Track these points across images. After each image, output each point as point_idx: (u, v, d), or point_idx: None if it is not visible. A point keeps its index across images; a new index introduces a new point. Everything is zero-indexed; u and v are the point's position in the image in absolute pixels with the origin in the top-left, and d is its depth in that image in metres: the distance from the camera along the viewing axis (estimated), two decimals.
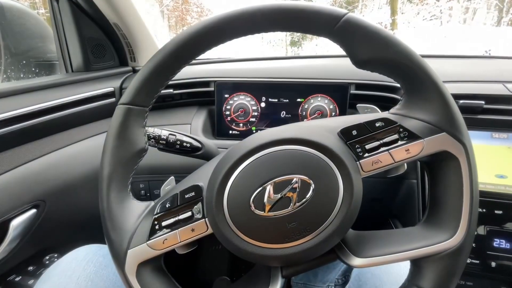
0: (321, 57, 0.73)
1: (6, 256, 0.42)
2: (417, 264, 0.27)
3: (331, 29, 0.27)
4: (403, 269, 0.35)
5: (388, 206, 0.59)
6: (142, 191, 0.59)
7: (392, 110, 0.29)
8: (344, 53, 0.28)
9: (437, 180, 0.28)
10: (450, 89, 0.51)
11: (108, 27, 0.55)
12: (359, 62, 0.28)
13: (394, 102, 0.55)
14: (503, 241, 0.45)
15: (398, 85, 0.56)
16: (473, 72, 0.53)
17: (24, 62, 0.49)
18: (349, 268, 0.45)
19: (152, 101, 0.31)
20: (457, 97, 0.48)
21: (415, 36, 6.34)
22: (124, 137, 0.28)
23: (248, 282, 0.30)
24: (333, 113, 0.59)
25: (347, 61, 0.29)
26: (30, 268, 0.46)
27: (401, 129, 0.27)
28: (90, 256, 0.38)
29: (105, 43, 0.58)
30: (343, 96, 0.58)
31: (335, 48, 0.30)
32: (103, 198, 0.28)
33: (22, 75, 0.49)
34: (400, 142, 0.26)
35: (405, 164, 0.28)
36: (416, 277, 0.27)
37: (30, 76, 0.50)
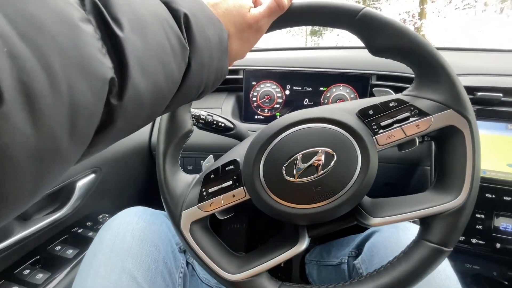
0: (343, 48, 0.76)
1: (72, 212, 0.50)
2: (425, 222, 0.31)
3: (351, 22, 0.31)
4: (410, 237, 0.39)
5: (401, 191, 0.63)
6: (189, 166, 0.66)
7: (404, 92, 0.33)
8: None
9: (444, 151, 0.32)
10: (469, 81, 0.54)
11: None
12: (375, 51, 0.32)
13: None
14: (510, 225, 0.49)
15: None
16: (493, 66, 0.55)
17: None
18: (362, 242, 0.48)
19: None
20: (476, 89, 0.51)
21: (444, 26, 5.98)
22: (175, 120, 0.34)
23: (278, 242, 0.35)
24: None
25: (369, 53, 0.34)
26: (88, 223, 0.55)
27: (412, 108, 0.30)
28: (140, 214, 0.45)
29: None
30: (364, 86, 0.62)
31: (356, 39, 0.34)
32: (160, 171, 0.34)
33: None
34: (411, 119, 0.30)
35: (417, 140, 0.31)
36: (424, 233, 0.31)
37: None
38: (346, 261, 0.51)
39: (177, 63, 0.21)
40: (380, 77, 0.61)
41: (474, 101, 0.50)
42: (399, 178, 0.61)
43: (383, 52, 0.32)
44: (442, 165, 0.32)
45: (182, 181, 0.35)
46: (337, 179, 0.29)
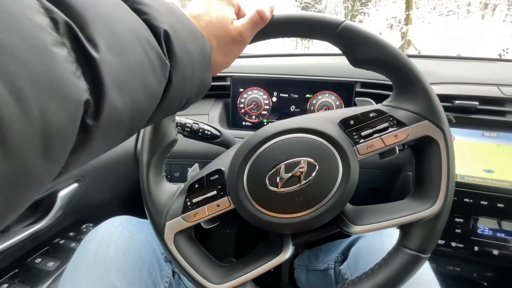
0: (331, 55, 0.77)
1: (53, 222, 0.49)
2: (404, 229, 0.32)
3: (332, 34, 0.32)
4: (391, 242, 0.41)
5: (385, 196, 0.64)
6: (176, 174, 0.65)
7: (384, 103, 0.34)
8: None
9: (421, 160, 0.33)
10: (447, 90, 0.56)
11: None
12: (355, 62, 0.33)
13: None
14: (486, 228, 0.51)
15: None
16: (471, 74, 0.57)
17: None
18: (348, 247, 0.49)
19: None
20: (453, 97, 0.53)
21: (429, 32, 6.19)
22: (159, 129, 0.34)
23: (263, 250, 0.36)
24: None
25: None
26: (71, 234, 0.54)
27: (391, 118, 0.32)
28: (124, 223, 0.45)
29: None
30: (349, 94, 0.63)
31: None
32: (143, 181, 0.34)
33: None
34: (390, 129, 0.31)
35: (396, 148, 0.33)
36: (403, 240, 0.32)
37: None
38: (332, 266, 0.52)
39: (157, 79, 0.21)
40: (364, 85, 0.62)
41: (452, 109, 0.52)
42: (383, 183, 0.62)
43: (363, 64, 0.33)
44: (419, 173, 0.33)
45: (166, 191, 0.35)
46: (319, 189, 0.30)
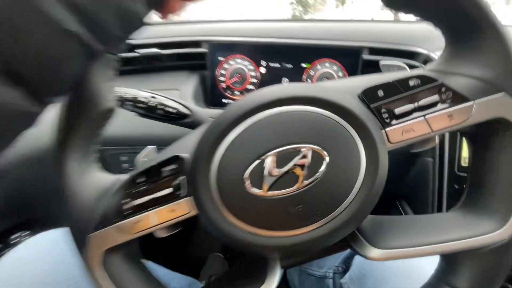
0: (330, 21, 0.65)
1: None
2: (451, 259, 0.23)
3: None
4: (419, 259, 0.31)
5: (395, 185, 0.54)
6: (125, 164, 0.53)
7: (429, 66, 0.23)
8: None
9: (485, 156, 0.22)
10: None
11: None
12: (391, 1, 0.22)
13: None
14: None
15: (420, 50, 0.49)
16: None
17: None
18: (351, 255, 0.41)
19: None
20: None
21: None
22: (82, 95, 0.22)
23: (243, 271, 0.27)
24: None
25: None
26: None
27: (443, 89, 0.20)
28: (57, 240, 0.33)
29: None
30: (355, 63, 0.51)
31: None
32: (58, 169, 0.23)
33: None
34: (441, 106, 0.20)
35: (436, 137, 0.22)
36: (448, 275, 0.23)
37: None
38: (331, 275, 0.44)
39: None
40: (374, 51, 0.50)
41: None
42: (394, 170, 0.52)
43: (401, 2, 0.22)
44: (480, 176, 0.23)
45: (95, 184, 0.23)
46: (328, 194, 0.20)
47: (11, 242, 0.42)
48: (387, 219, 0.24)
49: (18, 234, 0.43)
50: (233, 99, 0.56)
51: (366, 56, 0.51)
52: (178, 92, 0.53)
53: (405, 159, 0.50)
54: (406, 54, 0.49)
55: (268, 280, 0.23)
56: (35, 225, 0.45)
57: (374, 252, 0.22)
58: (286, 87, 0.21)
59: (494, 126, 0.21)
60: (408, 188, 0.53)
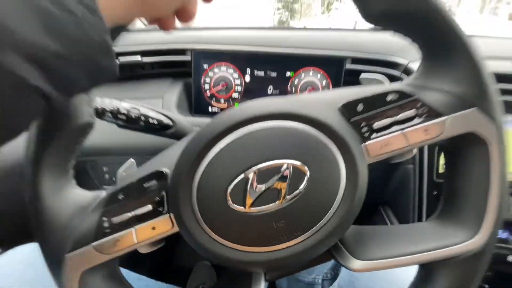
0: (314, 30, 0.66)
1: None
2: (427, 267, 0.23)
3: None
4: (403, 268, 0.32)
5: (378, 192, 0.55)
6: (106, 175, 0.51)
7: (407, 80, 0.23)
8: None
9: (458, 169, 0.23)
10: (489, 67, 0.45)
11: None
12: (370, 16, 0.22)
13: (394, 80, 0.49)
14: None
15: (399, 60, 0.51)
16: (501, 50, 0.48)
17: None
18: None
19: None
20: (497, 77, 0.43)
21: None
22: (60, 110, 0.21)
23: (228, 283, 0.27)
24: (327, 90, 0.53)
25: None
26: None
27: (419, 104, 0.21)
28: (31, 257, 0.31)
29: None
30: (338, 71, 0.52)
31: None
32: (30, 186, 0.22)
33: None
34: (417, 120, 0.21)
35: (415, 149, 0.23)
36: (424, 283, 0.23)
37: None
38: (320, 281, 0.45)
39: None
40: (356, 61, 0.51)
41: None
42: (374, 178, 0.53)
43: (381, 19, 0.22)
44: (454, 187, 0.23)
45: (72, 202, 0.23)
46: (310, 209, 0.20)
47: None
48: (368, 230, 0.25)
49: None
50: (218, 107, 0.55)
51: (349, 66, 0.52)
52: (161, 100, 0.52)
53: (387, 166, 0.51)
54: (387, 64, 0.51)
55: None
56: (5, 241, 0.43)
57: (356, 263, 0.22)
58: (267, 103, 0.21)
59: (466, 139, 0.21)
60: (391, 194, 0.54)
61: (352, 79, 0.51)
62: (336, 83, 0.53)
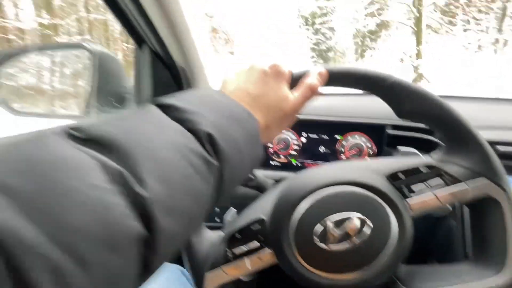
0: (359, 95, 0.77)
1: None
2: None
3: (381, 88, 0.33)
4: None
5: (426, 246, 0.60)
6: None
7: (435, 156, 0.33)
8: None
9: (481, 222, 0.31)
10: (489, 135, 0.53)
11: (176, 72, 0.64)
12: (400, 114, 0.33)
13: (429, 143, 0.58)
14: None
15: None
16: (507, 118, 0.55)
17: (105, 95, 0.59)
18: None
19: None
20: (496, 143, 0.50)
21: (440, 66, 6.28)
22: None
23: None
24: (370, 151, 0.63)
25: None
26: None
27: (443, 173, 0.31)
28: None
29: (171, 84, 0.67)
30: (380, 136, 0.62)
31: None
32: None
33: (103, 105, 0.59)
34: (444, 185, 0.30)
35: (449, 206, 0.32)
36: None
37: (108, 106, 0.60)
38: None
39: (206, 180, 0.21)
40: (396, 127, 0.61)
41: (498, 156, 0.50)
42: (421, 232, 0.58)
43: (410, 117, 0.33)
44: (480, 235, 0.31)
45: (207, 239, 0.34)
46: (372, 248, 0.29)
47: None
48: (418, 268, 0.33)
49: None
50: (279, 162, 0.67)
51: (390, 131, 0.62)
52: None
53: (430, 222, 0.57)
54: (423, 130, 0.59)
55: None
56: None
57: None
58: (336, 172, 0.31)
59: (484, 200, 0.30)
60: (438, 248, 0.58)
61: (395, 141, 0.60)
62: (379, 146, 0.62)
